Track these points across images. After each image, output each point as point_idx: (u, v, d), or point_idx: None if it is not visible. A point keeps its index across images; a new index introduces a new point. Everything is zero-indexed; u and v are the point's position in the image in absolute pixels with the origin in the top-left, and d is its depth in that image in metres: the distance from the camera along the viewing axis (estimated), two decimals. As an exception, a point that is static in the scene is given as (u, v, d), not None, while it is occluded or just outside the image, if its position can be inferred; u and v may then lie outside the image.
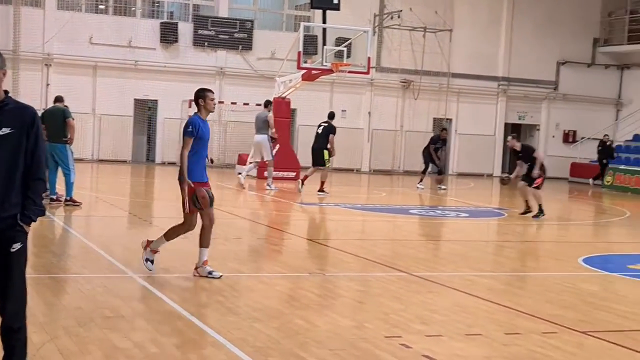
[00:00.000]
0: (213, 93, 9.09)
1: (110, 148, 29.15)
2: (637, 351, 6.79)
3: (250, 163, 22.32)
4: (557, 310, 8.23)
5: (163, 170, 27.95)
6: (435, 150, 24.51)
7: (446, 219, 17.31)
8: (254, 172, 23.01)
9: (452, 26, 32.88)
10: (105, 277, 8.82)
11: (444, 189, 24.56)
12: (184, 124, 9.10)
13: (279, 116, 24.39)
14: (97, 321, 6.86)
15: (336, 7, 25.82)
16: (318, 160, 20.62)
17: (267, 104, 22.01)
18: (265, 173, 21.63)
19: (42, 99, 27.58)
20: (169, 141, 29.77)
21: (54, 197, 15.16)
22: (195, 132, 8.79)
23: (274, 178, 21.65)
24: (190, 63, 29.79)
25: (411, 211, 18.27)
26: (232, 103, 29.45)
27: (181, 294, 8.12)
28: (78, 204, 15.15)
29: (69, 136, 15.25)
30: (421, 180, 24.66)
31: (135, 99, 29.38)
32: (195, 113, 9.02)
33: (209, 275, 8.86)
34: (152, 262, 9.06)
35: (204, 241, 9.02)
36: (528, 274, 10.63)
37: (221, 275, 8.90)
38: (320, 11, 26.60)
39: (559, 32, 34.70)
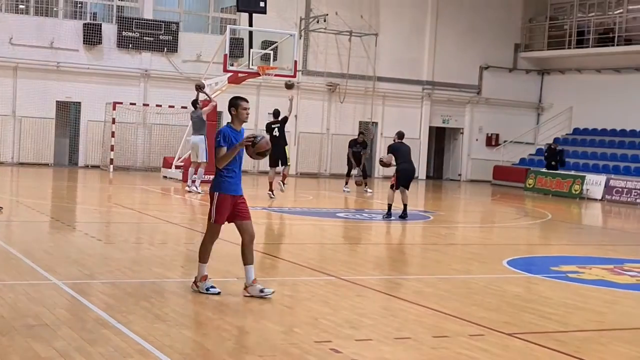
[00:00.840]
0: (247, 102, 8.59)
1: (32, 151, 28.50)
2: (560, 352, 6.93)
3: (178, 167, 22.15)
4: (483, 313, 8.34)
5: (86, 173, 27.47)
6: (355, 153, 24.63)
7: (373, 222, 17.41)
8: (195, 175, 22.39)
9: (377, 30, 33.15)
10: (27, 284, 8.59)
11: (370, 192, 24.71)
12: (215, 134, 8.56)
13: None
14: (20, 330, 6.67)
15: (262, 11, 25.75)
16: (284, 159, 20.75)
17: (194, 103, 21.75)
18: (194, 176, 21.37)
19: (-40, 100, 26.86)
20: (92, 144, 29.27)
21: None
22: (223, 143, 8.29)
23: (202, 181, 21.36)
24: (115, 65, 29.35)
25: (338, 214, 18.33)
26: (157, 106, 29.13)
27: (106, 301, 7.97)
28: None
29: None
30: (347, 183, 24.79)
31: (57, 101, 28.80)
32: (228, 123, 8.57)
33: (261, 294, 8.39)
34: (213, 286, 8.54)
35: (247, 258, 8.56)
36: (454, 277, 10.76)
37: (273, 291, 8.48)
38: (247, 14, 26.49)
39: (481, 38, 35.34)
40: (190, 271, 10.21)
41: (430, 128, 35.34)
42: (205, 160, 20.99)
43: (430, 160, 36.41)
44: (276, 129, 20.80)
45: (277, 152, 20.15)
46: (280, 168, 21.04)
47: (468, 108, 35.93)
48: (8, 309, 7.37)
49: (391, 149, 17.70)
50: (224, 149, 8.31)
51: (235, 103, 8.50)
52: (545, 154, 30.59)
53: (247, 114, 8.53)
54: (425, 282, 10.21)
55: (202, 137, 21.12)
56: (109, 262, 10.20)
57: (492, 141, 36.40)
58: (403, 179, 17.55)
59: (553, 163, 30.10)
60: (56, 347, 6.25)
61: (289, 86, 22.12)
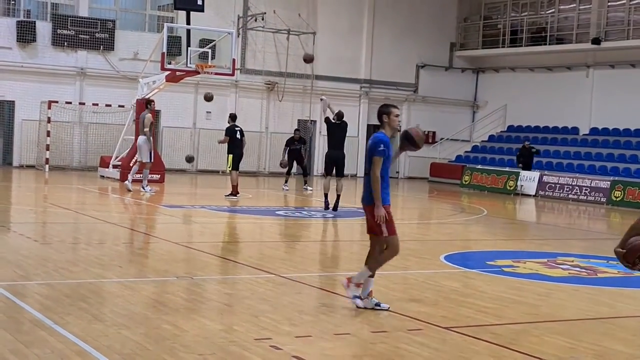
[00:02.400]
0: (398, 109, 8.49)
1: (-36, 151, 27.91)
2: (495, 344, 7.07)
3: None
4: (421, 307, 8.46)
5: (21, 173, 26.99)
6: (293, 151, 24.73)
7: (312, 219, 17.48)
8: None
9: (315, 29, 33.25)
10: (-39, 287, 8.44)
11: (310, 189, 24.79)
12: (372, 142, 8.29)
13: (142, 118, 24.03)
14: (-46, 333, 6.56)
15: (200, 9, 25.61)
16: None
17: (147, 104, 21.64)
18: (138, 175, 21.21)
19: None
20: (27, 143, 28.77)
21: None
22: (386, 152, 8.13)
23: (133, 180, 21.23)
24: (50, 63, 28.88)
25: (277, 212, 18.36)
26: (94, 104, 28.77)
27: (43, 302, 7.86)
28: None
29: None
30: (286, 182, 24.83)
31: (-10, 100, 28.25)
32: (379, 130, 8.35)
33: (377, 307, 8.14)
34: (359, 298, 8.24)
35: (372, 267, 8.28)
36: (392, 273, 10.86)
37: (389, 307, 8.21)
38: (184, 12, 26.32)
39: (418, 37, 35.73)
40: (127, 271, 10.14)
41: (368, 126, 35.54)
42: (148, 160, 20.87)
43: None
44: (239, 131, 20.79)
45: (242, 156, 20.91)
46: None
47: (405, 106, 36.25)
48: (-59, 312, 7.24)
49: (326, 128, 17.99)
50: (382, 160, 8.12)
51: (388, 110, 8.34)
52: (518, 153, 30.30)
53: (399, 121, 8.41)
54: (364, 279, 10.29)
55: (143, 137, 20.96)
56: (45, 263, 10.07)
57: (428, 139, 36.74)
58: (328, 164, 17.80)
59: (520, 165, 29.65)
60: (-8, 349, 6.16)
61: (208, 99, 21.98)
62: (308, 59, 21.68)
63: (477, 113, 37.84)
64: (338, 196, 18.03)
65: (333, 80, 34.12)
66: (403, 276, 10.69)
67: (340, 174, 18.08)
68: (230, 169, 20.81)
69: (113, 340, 6.57)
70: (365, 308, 8.15)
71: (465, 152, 35.71)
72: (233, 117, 21.25)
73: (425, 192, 29.55)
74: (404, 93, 36.15)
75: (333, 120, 18.21)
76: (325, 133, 19.48)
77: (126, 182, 20.93)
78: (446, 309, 8.46)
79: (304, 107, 33.57)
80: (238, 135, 20.71)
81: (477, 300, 9.07)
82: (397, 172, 36.45)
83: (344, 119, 18.40)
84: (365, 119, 35.21)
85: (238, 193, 20.71)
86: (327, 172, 18.14)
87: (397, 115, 8.39)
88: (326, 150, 18.29)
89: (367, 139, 35.14)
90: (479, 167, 31.22)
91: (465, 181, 30.84)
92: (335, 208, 17.97)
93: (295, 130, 26.72)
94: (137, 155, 21.61)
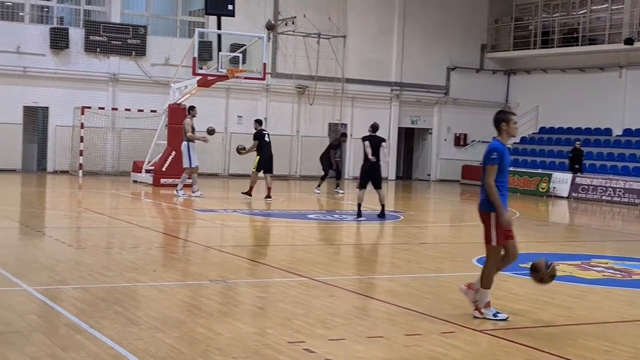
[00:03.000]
0: (516, 115, 8.38)
1: (-1, 157, 28.26)
2: (530, 347, 7.03)
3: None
4: (454, 310, 8.44)
5: (55, 178, 27.28)
6: (334, 154, 24.81)
7: (344, 223, 17.48)
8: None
9: (345, 32, 33.27)
10: (-2, 291, 8.57)
11: (342, 193, 24.80)
12: (486, 150, 8.19)
13: (174, 122, 24.23)
14: (-8, 337, 6.66)
15: (231, 14, 25.77)
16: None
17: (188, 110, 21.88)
18: (189, 180, 21.42)
19: None
20: (61, 149, 29.07)
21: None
22: (499, 159, 8.02)
23: (185, 185, 21.42)
24: (82, 69, 29.18)
25: (309, 216, 18.39)
26: (126, 110, 29.02)
27: (78, 306, 7.95)
28: None
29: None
30: (319, 186, 24.84)
31: (24, 106, 28.57)
32: (495, 137, 8.28)
33: (495, 318, 7.98)
34: (499, 312, 8.10)
35: (486, 280, 8.15)
36: (425, 276, 10.85)
37: (507, 317, 8.06)
38: (215, 17, 26.48)
39: (448, 39, 35.60)
40: (161, 275, 10.21)
41: (399, 129, 35.53)
42: (187, 166, 21.09)
43: (399, 160, 36.60)
44: (267, 135, 21.52)
45: (271, 158, 21.57)
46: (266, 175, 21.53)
47: (436, 108, 36.17)
48: (-21, 316, 7.35)
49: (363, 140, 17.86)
50: (497, 167, 8.03)
51: (507, 117, 8.25)
52: (570, 155, 29.53)
53: (517, 128, 8.32)
54: (396, 282, 10.30)
55: (185, 143, 21.15)
56: (80, 267, 10.18)
57: (460, 141, 36.67)
58: (364, 178, 17.69)
59: (577, 166, 28.93)
60: (29, 353, 6.23)
61: (211, 132, 22.22)
62: (270, 27, 21.63)
63: (509, 115, 37.56)
64: (383, 206, 17.92)
65: (363, 83, 34.11)
66: (436, 278, 10.67)
67: (378, 186, 17.86)
68: (254, 170, 21.29)
69: (148, 344, 6.62)
70: (484, 318, 8.02)
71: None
72: (260, 122, 21.94)
73: (457, 194, 29.44)
74: (435, 95, 36.04)
75: (368, 133, 18.02)
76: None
77: (178, 192, 20.97)
78: (479, 312, 8.43)
79: (334, 110, 33.59)
80: (266, 139, 21.28)
81: (511, 302, 9.02)
82: (429, 175, 36.36)
83: (377, 132, 18.18)
84: (396, 121, 35.14)
85: (251, 195, 21.17)
86: (362, 186, 17.79)
87: (515, 123, 8.26)
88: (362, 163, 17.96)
89: (399, 142, 35.32)
90: (511, 169, 31.03)
91: (498, 183, 30.58)
92: (382, 215, 17.80)
93: (342, 134, 26.65)
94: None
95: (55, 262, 10.54)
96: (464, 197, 28.36)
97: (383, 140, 17.97)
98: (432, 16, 35.26)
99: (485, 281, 8.16)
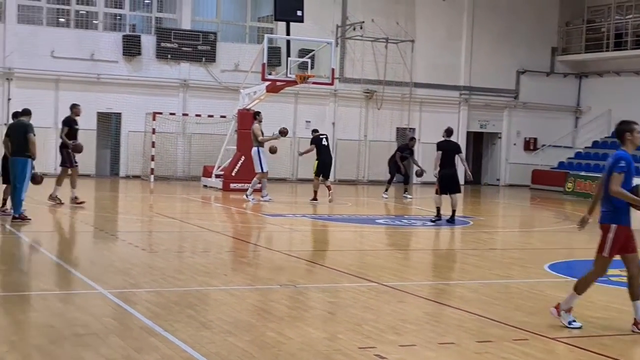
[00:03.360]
0: (638, 125, 8.18)
1: (74, 162, 28.86)
2: (605, 355, 6.91)
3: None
4: (526, 317, 8.34)
5: (128, 183, 27.79)
6: (402, 158, 24.71)
7: (413, 228, 17.42)
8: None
9: (413, 37, 33.13)
10: (74, 294, 8.77)
11: (410, 198, 24.70)
12: (613, 159, 8.01)
13: (243, 128, 24.46)
14: (69, 339, 6.82)
15: (299, 19, 25.91)
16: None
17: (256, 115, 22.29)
18: (258, 185, 21.77)
19: (4, 113, 27.41)
20: (133, 154, 29.61)
21: (17, 215, 14.86)
22: (627, 168, 7.91)
23: (255, 190, 21.68)
24: (154, 76, 29.67)
25: (378, 221, 18.36)
26: (197, 115, 29.40)
27: (152, 309, 8.09)
28: (28, 220, 14.87)
29: (31, 151, 15.07)
30: (386, 190, 24.78)
31: (98, 112, 29.18)
32: (620, 147, 8.12)
33: (569, 326, 7.93)
34: (574, 320, 8.03)
35: (636, 293, 7.98)
36: (496, 282, 10.75)
37: (581, 326, 7.97)
38: (284, 23, 26.66)
39: (518, 42, 35.16)
40: (232, 279, 10.32)
41: (468, 133, 35.22)
42: (259, 170, 21.44)
43: (468, 165, 36.15)
44: (325, 138, 22.33)
45: (329, 163, 22.24)
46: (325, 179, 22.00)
47: (506, 112, 35.75)
48: (57, 319, 7.53)
49: (438, 147, 17.85)
50: (623, 176, 7.93)
51: (631, 127, 8.14)
52: None
53: None
54: (467, 287, 10.22)
55: (255, 148, 21.45)
56: (153, 271, 10.36)
57: (530, 145, 36.17)
58: (443, 185, 17.63)
59: None
60: (104, 355, 6.37)
61: (283, 133, 22.63)
62: (283, 133, 22.56)
63: (580, 119, 36.96)
64: (454, 211, 17.91)
65: (432, 87, 33.91)
66: (506, 285, 10.56)
67: (456, 191, 17.84)
68: (315, 174, 21.95)
69: (220, 347, 6.71)
70: (560, 320, 7.99)
71: (568, 158, 34.93)
72: (316, 130, 22.99)
73: (527, 199, 29.04)
74: (505, 99, 35.62)
75: (443, 138, 17.98)
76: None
77: (249, 196, 21.26)
78: (552, 319, 8.29)
79: (402, 115, 33.46)
80: (324, 142, 22.06)
81: (584, 310, 8.86)
82: (498, 180, 35.96)
83: (452, 137, 18.16)
84: (465, 126, 34.85)
85: (317, 199, 21.59)
86: (443, 192, 17.80)
87: (639, 132, 8.11)
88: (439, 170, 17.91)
89: (467, 146, 35.00)
90: (583, 173, 30.49)
91: (569, 188, 30.16)
92: (452, 220, 17.76)
93: (411, 138, 26.62)
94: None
95: (129, 265, 10.74)
96: (534, 202, 27.97)
97: (458, 146, 18.32)
98: (501, 19, 34.87)
99: (581, 287, 8.09)
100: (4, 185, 15.93)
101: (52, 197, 18.06)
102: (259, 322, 7.75)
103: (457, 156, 18.08)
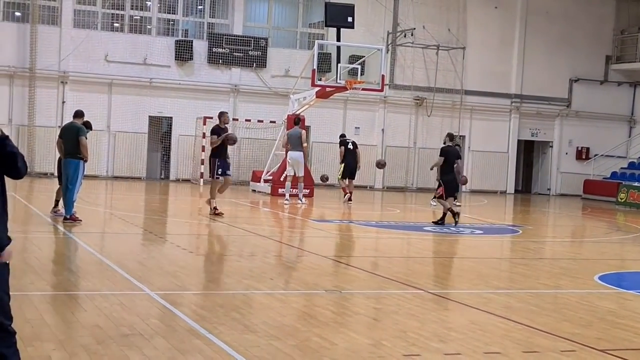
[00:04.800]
0: None
1: (125, 165, 29.29)
2: (655, 370, 6.77)
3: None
4: (574, 329, 8.20)
5: (177, 186, 28.05)
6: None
7: (460, 236, 17.28)
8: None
9: (465, 44, 32.93)
10: (121, 294, 8.85)
11: (458, 205, 24.51)
12: None
13: (293, 133, 24.59)
14: (115, 339, 6.88)
15: (350, 25, 25.93)
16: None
17: (298, 121, 22.85)
18: (293, 190, 22.76)
19: (58, 116, 27.93)
20: (184, 158, 29.89)
21: (68, 216, 15.08)
22: None
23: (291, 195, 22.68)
24: (205, 80, 29.95)
25: (425, 228, 18.26)
26: (247, 120, 29.56)
27: (197, 311, 8.14)
28: (79, 221, 15.06)
29: (83, 153, 15.27)
30: (434, 197, 24.60)
31: (150, 116, 29.54)
32: None
33: None
34: None
35: None
36: (544, 292, 10.60)
37: None
38: (335, 29, 26.70)
39: (571, 50, 34.73)
40: (278, 283, 10.35)
41: (519, 141, 34.90)
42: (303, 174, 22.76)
43: (518, 174, 35.90)
44: (351, 143, 23.95)
45: (354, 167, 23.95)
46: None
47: (557, 121, 35.33)
48: (104, 319, 7.61)
49: (441, 152, 18.56)
50: None
51: None
52: None
53: None
54: (514, 297, 10.10)
55: (301, 153, 22.27)
56: (199, 274, 10.42)
57: (582, 155, 35.68)
58: (450, 189, 18.38)
59: None
60: (149, 356, 6.42)
61: (381, 165, 25.31)
62: (380, 165, 25.21)
63: (634, 128, 36.36)
64: (458, 214, 18.46)
65: (483, 95, 33.66)
66: (555, 295, 10.40)
67: (456, 194, 19.53)
68: (340, 177, 23.99)
69: (264, 352, 6.71)
70: None
71: (621, 168, 34.38)
72: (343, 135, 25.15)
73: (579, 209, 28.63)
74: (557, 108, 35.20)
75: (445, 143, 18.47)
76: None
77: (302, 199, 22.61)
78: (601, 331, 8.17)
79: (452, 122, 33.25)
80: (350, 146, 23.83)
81: (635, 322, 8.70)
82: (549, 189, 35.54)
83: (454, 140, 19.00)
84: (516, 134, 34.53)
85: (351, 200, 23.19)
86: (449, 196, 18.61)
87: None
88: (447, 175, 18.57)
89: (518, 155, 34.65)
90: (636, 184, 29.97)
91: (621, 199, 29.66)
92: (456, 223, 18.13)
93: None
94: (288, 170, 22.79)
95: (176, 268, 10.81)
96: (586, 212, 27.56)
97: (459, 152, 19.50)
98: (555, 27, 34.48)
99: None
100: (58, 186, 16.19)
101: (212, 210, 17.86)
102: (303, 327, 7.74)
103: (456, 161, 18.65)
